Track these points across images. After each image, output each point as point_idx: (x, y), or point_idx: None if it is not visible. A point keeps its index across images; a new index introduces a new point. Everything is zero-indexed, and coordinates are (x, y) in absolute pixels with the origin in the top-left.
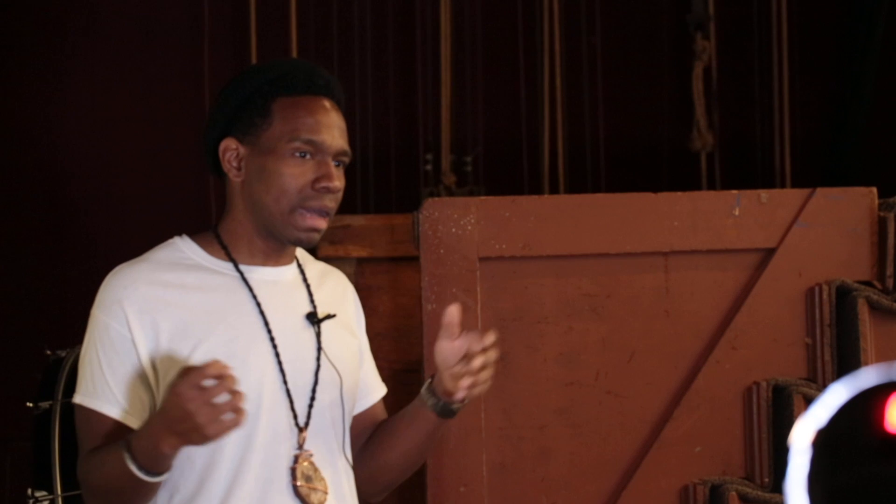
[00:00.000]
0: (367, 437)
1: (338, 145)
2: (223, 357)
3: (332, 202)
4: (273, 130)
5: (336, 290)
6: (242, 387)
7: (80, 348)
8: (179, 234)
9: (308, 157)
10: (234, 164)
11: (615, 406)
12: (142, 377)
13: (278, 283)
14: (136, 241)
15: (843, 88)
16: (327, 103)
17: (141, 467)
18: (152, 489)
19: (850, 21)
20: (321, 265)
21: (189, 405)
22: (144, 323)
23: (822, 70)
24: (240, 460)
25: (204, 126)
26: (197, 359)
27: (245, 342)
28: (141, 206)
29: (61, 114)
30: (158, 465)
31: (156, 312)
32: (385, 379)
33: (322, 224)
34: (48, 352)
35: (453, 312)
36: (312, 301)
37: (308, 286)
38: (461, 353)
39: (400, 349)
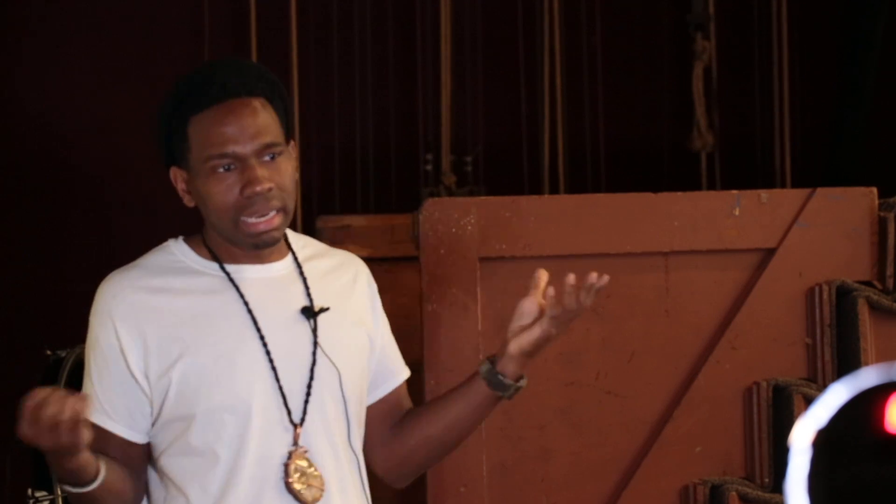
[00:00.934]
0: (392, 421)
1: (253, 146)
2: (212, 360)
3: (273, 200)
4: (193, 153)
5: (342, 279)
6: (232, 389)
7: (80, 348)
8: (179, 234)
9: (231, 167)
10: (185, 189)
11: (615, 406)
12: (129, 385)
13: (268, 279)
14: (137, 240)
15: (843, 88)
16: (235, 104)
17: (61, 479)
18: (97, 498)
19: (850, 21)
20: (331, 254)
21: (36, 440)
22: (132, 333)
23: (822, 70)
24: (234, 459)
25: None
26: (186, 362)
27: (233, 343)
28: (141, 206)
29: (61, 113)
30: (74, 477)
31: (143, 320)
32: None
33: (271, 223)
34: (48, 352)
35: (542, 276)
36: (309, 295)
37: (304, 280)
38: (540, 308)
39: (400, 349)
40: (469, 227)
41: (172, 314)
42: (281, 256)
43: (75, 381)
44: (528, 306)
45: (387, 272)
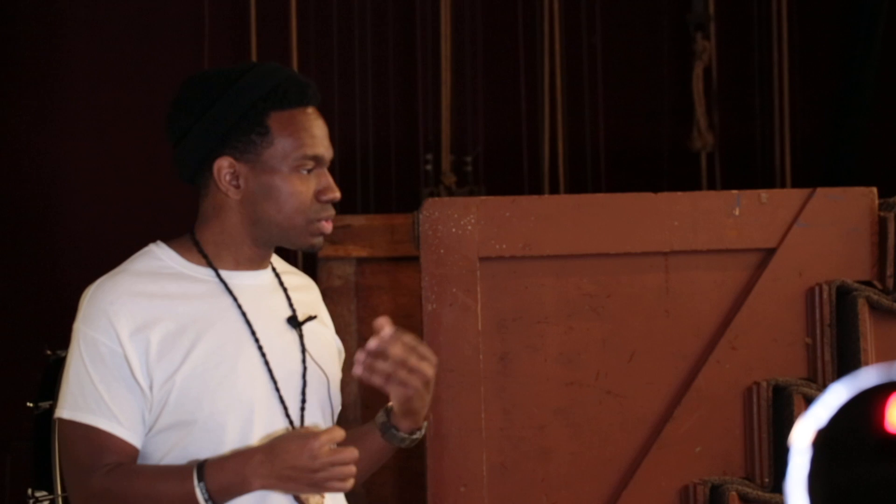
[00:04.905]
0: None
1: (330, 154)
2: (213, 364)
3: (334, 209)
4: (275, 149)
5: (311, 297)
6: (234, 393)
7: None
8: (180, 233)
9: (310, 171)
10: (233, 182)
11: (615, 406)
12: (134, 390)
13: (258, 287)
14: (137, 240)
15: (843, 88)
16: (315, 112)
17: (210, 498)
18: None
19: (850, 21)
20: (296, 273)
21: (318, 461)
22: (135, 338)
23: (822, 70)
24: None
25: (178, 134)
26: (187, 369)
27: (233, 349)
28: (140, 205)
29: (60, 113)
30: (230, 498)
31: (144, 326)
32: None
33: (330, 227)
34: (48, 352)
35: (380, 325)
36: (291, 304)
37: (285, 289)
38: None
39: None
40: (469, 227)
41: (172, 319)
42: (267, 265)
43: None
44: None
45: (387, 272)
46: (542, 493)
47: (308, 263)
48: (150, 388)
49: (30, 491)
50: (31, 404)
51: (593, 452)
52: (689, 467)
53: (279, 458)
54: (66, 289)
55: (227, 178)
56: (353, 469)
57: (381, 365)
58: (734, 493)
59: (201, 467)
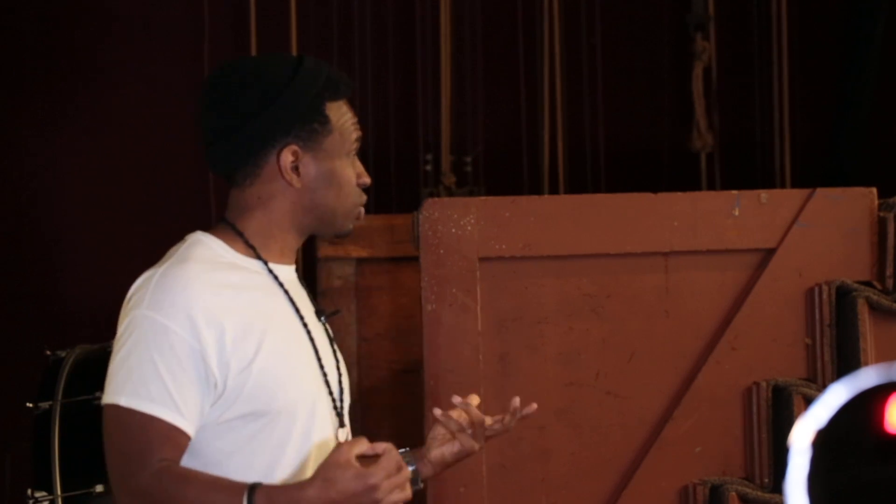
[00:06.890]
0: None
1: None
2: (283, 356)
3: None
4: (334, 136)
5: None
6: (302, 386)
7: (80, 348)
8: (180, 233)
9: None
10: (295, 168)
11: (615, 406)
12: (201, 381)
13: (292, 280)
14: (137, 240)
15: (843, 88)
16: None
17: None
18: None
19: (851, 21)
20: None
21: (385, 485)
22: (212, 329)
23: (822, 70)
24: (301, 458)
25: (230, 126)
26: (261, 359)
27: (295, 341)
28: (141, 206)
29: (60, 115)
30: None
31: (220, 317)
32: (385, 379)
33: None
34: (48, 352)
35: (473, 400)
36: (314, 298)
37: (305, 284)
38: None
39: (400, 349)
40: (469, 227)
41: (241, 310)
42: (294, 260)
43: (75, 381)
44: (456, 417)
45: (387, 272)
46: (542, 493)
47: (308, 263)
48: (226, 377)
49: (30, 491)
50: (31, 404)
51: (593, 452)
52: (689, 467)
53: (334, 488)
54: (65, 289)
55: (292, 167)
56: (408, 493)
57: (462, 418)
58: (734, 493)
59: (252, 489)
